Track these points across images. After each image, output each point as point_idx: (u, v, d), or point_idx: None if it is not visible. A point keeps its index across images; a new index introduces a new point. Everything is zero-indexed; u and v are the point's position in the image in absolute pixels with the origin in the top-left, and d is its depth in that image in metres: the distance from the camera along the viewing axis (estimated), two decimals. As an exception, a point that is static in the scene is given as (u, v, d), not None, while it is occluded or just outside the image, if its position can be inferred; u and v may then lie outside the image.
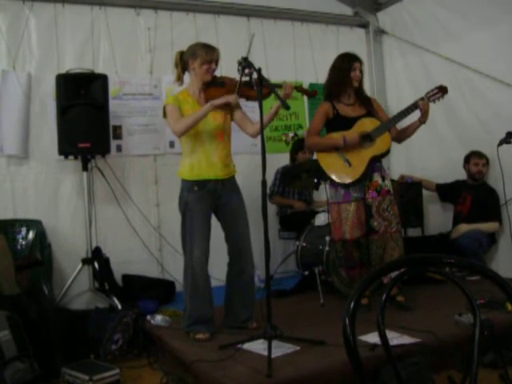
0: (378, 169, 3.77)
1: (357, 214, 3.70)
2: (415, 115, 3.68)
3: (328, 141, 3.78)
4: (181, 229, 3.34)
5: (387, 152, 3.75)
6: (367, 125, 3.68)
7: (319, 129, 3.82)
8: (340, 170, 3.72)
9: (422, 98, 3.61)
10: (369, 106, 3.79)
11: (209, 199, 3.31)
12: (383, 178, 3.76)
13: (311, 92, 3.47)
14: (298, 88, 3.35)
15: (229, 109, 3.40)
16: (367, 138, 3.66)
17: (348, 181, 3.70)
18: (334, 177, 3.76)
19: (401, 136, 3.83)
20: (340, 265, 3.85)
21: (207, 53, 3.30)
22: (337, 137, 3.70)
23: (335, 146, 3.71)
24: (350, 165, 3.68)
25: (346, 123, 3.70)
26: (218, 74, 3.42)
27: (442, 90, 3.63)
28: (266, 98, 3.15)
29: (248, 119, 3.44)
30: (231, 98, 3.23)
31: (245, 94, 3.31)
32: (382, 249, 3.67)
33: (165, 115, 3.36)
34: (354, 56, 3.79)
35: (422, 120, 3.64)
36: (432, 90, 3.64)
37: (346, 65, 3.71)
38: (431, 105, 3.65)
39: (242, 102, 3.47)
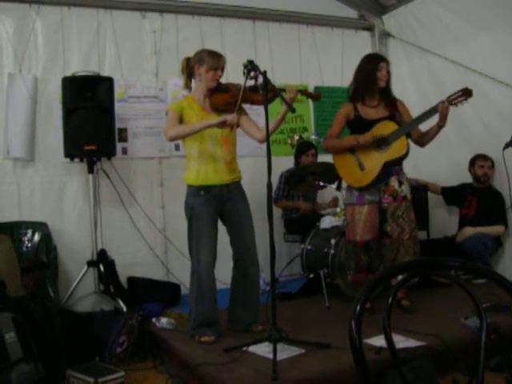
0: (396, 172, 3.69)
1: (370, 216, 3.66)
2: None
3: (341, 143, 3.74)
4: (187, 233, 3.35)
5: (402, 157, 3.63)
6: (385, 128, 3.59)
7: (337, 131, 3.76)
8: (352, 174, 3.70)
9: (443, 101, 3.46)
10: (393, 108, 3.70)
11: (214, 204, 3.32)
12: (400, 183, 3.69)
13: (315, 95, 3.43)
14: (302, 91, 3.33)
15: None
16: (384, 142, 3.59)
17: (358, 185, 3.68)
18: (346, 179, 3.75)
19: (422, 140, 3.73)
20: (349, 267, 3.81)
21: (214, 59, 3.30)
22: (350, 139, 3.68)
23: (348, 147, 3.68)
24: (363, 169, 3.65)
25: (365, 125, 3.64)
26: (223, 77, 3.41)
27: (467, 93, 3.44)
28: (270, 102, 3.10)
29: (254, 125, 3.41)
30: (229, 117, 3.14)
31: (249, 98, 3.29)
32: (393, 253, 3.64)
33: None
34: (379, 56, 3.78)
35: (440, 124, 3.53)
36: (455, 93, 3.46)
37: (371, 65, 3.65)
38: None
39: (248, 106, 3.47)
